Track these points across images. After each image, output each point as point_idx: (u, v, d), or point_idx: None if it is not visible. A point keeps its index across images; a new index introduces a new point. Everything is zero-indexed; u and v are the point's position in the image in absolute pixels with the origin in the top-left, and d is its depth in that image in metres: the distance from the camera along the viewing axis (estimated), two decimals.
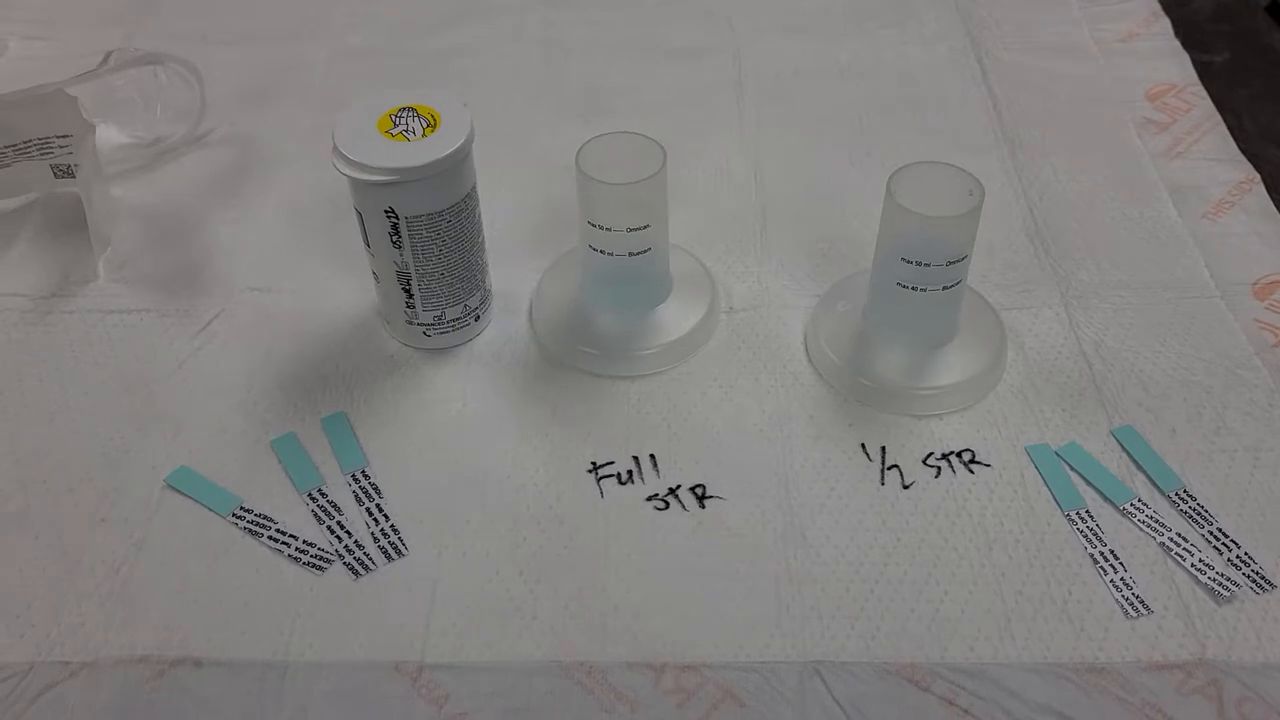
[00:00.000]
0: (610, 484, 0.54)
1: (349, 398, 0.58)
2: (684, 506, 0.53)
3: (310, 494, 0.54)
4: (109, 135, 0.71)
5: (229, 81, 0.78)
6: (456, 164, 0.53)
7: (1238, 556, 0.50)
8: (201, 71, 0.73)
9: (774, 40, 0.82)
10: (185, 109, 0.73)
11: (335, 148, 0.53)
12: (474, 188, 0.56)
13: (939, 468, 0.54)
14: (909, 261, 0.54)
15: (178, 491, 0.54)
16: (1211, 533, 0.51)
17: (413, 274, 0.56)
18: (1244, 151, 0.71)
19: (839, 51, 0.81)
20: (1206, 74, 0.78)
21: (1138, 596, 0.49)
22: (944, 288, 0.54)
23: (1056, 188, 0.69)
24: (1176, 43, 0.80)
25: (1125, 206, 0.68)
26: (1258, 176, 0.69)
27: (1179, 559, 0.50)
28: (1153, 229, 0.66)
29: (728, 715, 0.45)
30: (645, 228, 0.56)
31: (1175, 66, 0.78)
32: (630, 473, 0.54)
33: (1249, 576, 0.49)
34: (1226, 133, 0.73)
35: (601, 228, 0.56)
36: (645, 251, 0.57)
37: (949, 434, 0.56)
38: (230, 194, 0.71)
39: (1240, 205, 0.68)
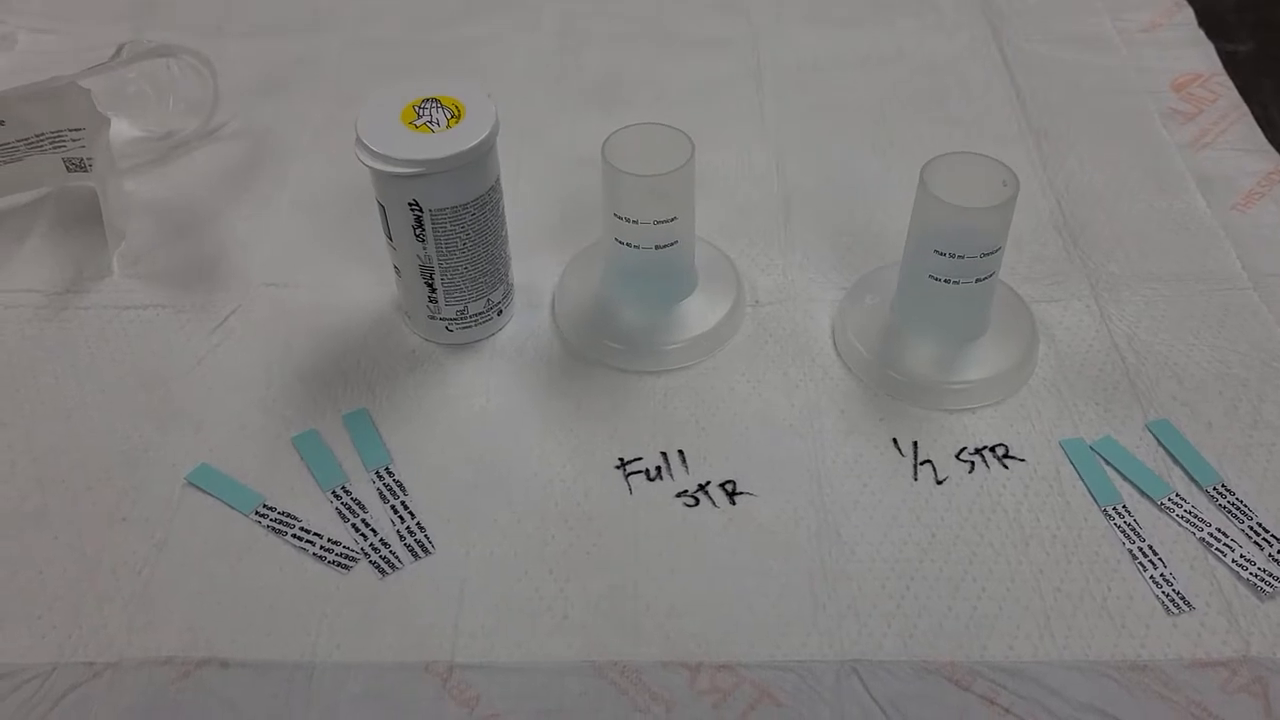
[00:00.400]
0: (639, 480, 0.53)
1: (370, 394, 0.57)
2: (714, 503, 0.52)
3: (334, 491, 0.53)
4: (121, 129, 0.70)
5: (242, 74, 0.77)
6: (482, 155, 0.53)
7: (1279, 552, 0.49)
8: (214, 64, 0.72)
9: (792, 30, 0.81)
10: (198, 102, 0.72)
11: (359, 139, 0.52)
12: (498, 180, 0.55)
13: (972, 463, 0.53)
14: (942, 254, 0.53)
15: (199, 489, 0.53)
16: (1252, 528, 0.50)
17: (436, 268, 0.56)
18: (1272, 142, 0.70)
19: (858, 41, 0.80)
20: (1231, 63, 0.77)
21: (1179, 593, 0.48)
22: (977, 280, 0.54)
23: (1083, 179, 0.68)
24: (1200, 32, 0.79)
25: (1153, 198, 0.67)
26: None
27: (1219, 554, 0.49)
28: (1182, 220, 0.65)
29: (765, 715, 0.45)
30: (672, 220, 0.55)
31: (1200, 56, 0.77)
32: (659, 469, 0.53)
33: None
34: (1254, 123, 0.72)
35: (628, 220, 0.55)
36: (672, 244, 0.56)
37: (982, 428, 0.55)
38: (244, 188, 0.70)
39: (1270, 196, 0.67)
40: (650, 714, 0.45)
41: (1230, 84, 0.75)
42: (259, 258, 0.65)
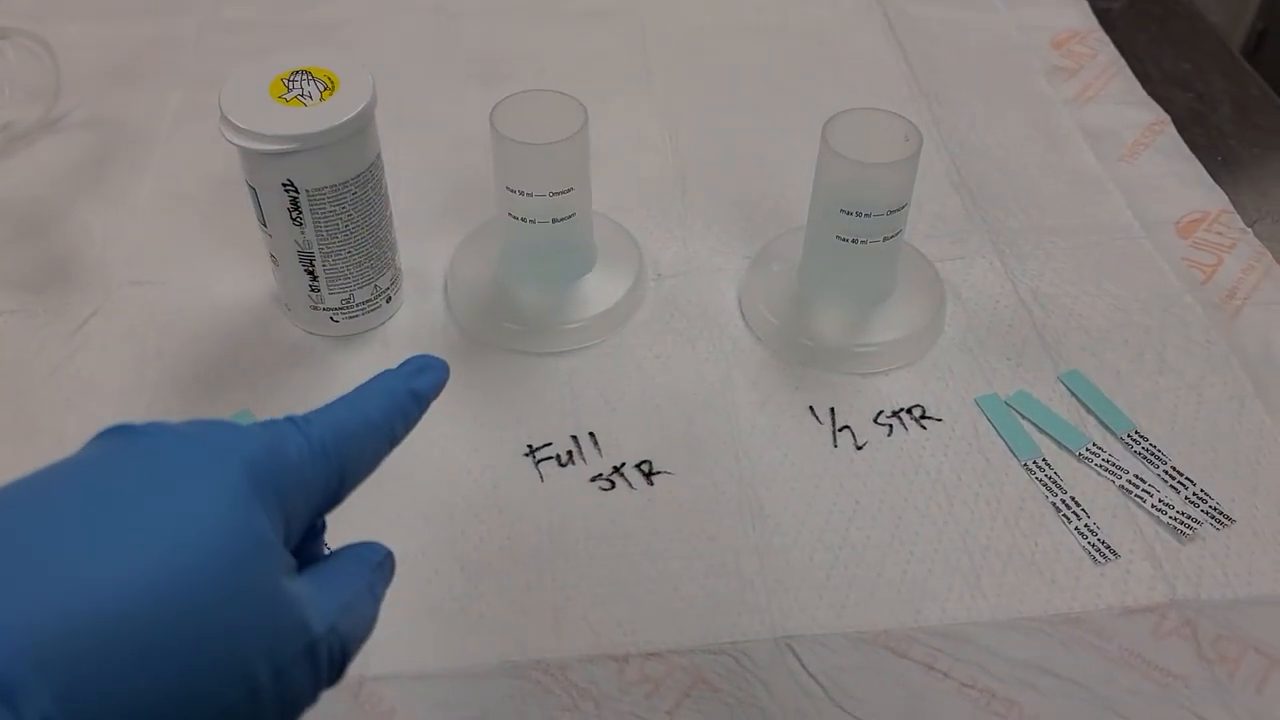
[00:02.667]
0: (550, 466, 0.50)
1: (252, 394, 0.53)
2: (631, 485, 0.50)
3: None
4: None
5: (87, 58, 0.71)
6: (361, 128, 0.49)
7: (1194, 494, 0.49)
8: (54, 47, 0.66)
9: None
10: (38, 89, 0.66)
11: (223, 116, 0.48)
12: (379, 155, 0.51)
13: (890, 425, 0.52)
14: (848, 213, 0.51)
15: None
16: (1167, 472, 0.50)
17: (316, 253, 0.52)
18: (1150, 94, 0.71)
19: (742, 9, 0.78)
20: (1106, 21, 0.78)
21: (1103, 542, 0.47)
22: (884, 239, 0.52)
23: (976, 138, 0.68)
24: None
25: (1045, 153, 0.67)
26: (1167, 117, 0.69)
27: (1139, 500, 0.49)
28: (1074, 174, 0.66)
29: (700, 701, 0.42)
30: (568, 191, 0.52)
31: (1076, 14, 0.78)
32: (570, 453, 0.51)
33: (1208, 513, 0.49)
34: (1132, 76, 0.73)
35: (521, 193, 0.52)
36: (569, 217, 0.53)
37: (897, 390, 0.54)
38: (97, 181, 0.64)
39: (1154, 147, 0.68)
40: (579, 711, 0.42)
41: (1107, 39, 0.76)
42: (119, 255, 0.60)
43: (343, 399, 0.32)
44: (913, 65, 0.73)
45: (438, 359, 0.34)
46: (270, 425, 0.29)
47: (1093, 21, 0.77)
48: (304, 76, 0.49)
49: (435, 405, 0.53)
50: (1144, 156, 0.67)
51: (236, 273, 0.58)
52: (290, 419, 0.30)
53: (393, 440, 0.32)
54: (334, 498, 0.31)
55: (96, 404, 0.52)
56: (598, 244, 0.58)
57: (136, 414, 0.51)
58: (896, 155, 0.50)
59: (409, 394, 0.33)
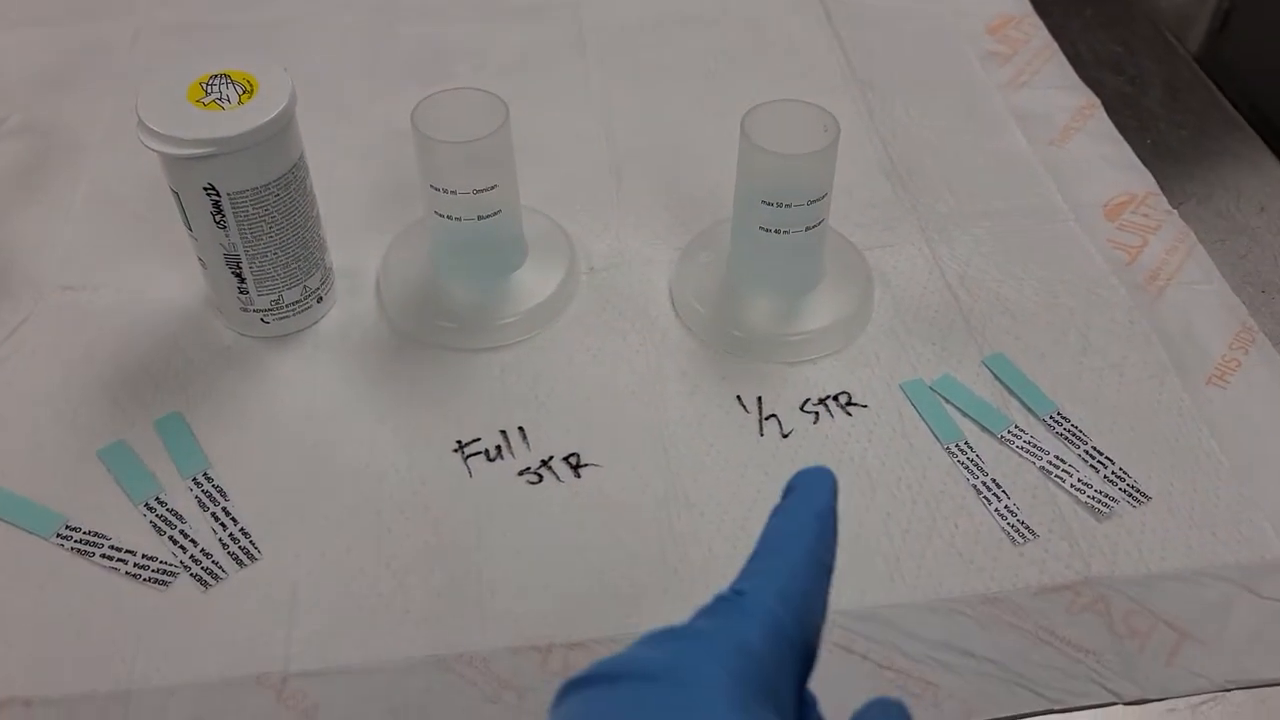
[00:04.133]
0: (478, 462, 0.51)
1: (184, 397, 0.53)
2: (558, 478, 0.50)
3: (147, 504, 0.49)
4: None
5: (19, 65, 0.71)
6: (280, 131, 0.49)
7: (1113, 473, 0.50)
8: None
9: None
10: None
11: (140, 121, 0.48)
12: (302, 157, 0.52)
13: (816, 413, 0.53)
14: (769, 204, 0.52)
15: None
16: (1087, 451, 0.51)
17: (242, 256, 0.52)
18: (1083, 78, 0.72)
19: (680, 1, 0.79)
20: (1040, 6, 0.78)
21: (1023, 523, 0.48)
22: (806, 228, 0.53)
23: (909, 124, 0.69)
24: None
25: (977, 138, 0.68)
26: (1098, 101, 0.70)
27: (1058, 481, 0.50)
28: (1005, 159, 0.66)
29: None
30: (493, 188, 0.53)
31: None
32: (499, 448, 0.51)
33: (1125, 491, 0.49)
34: (1065, 61, 0.73)
35: (446, 191, 0.52)
36: (495, 214, 0.54)
37: (824, 378, 0.54)
38: (31, 188, 0.64)
39: (1084, 130, 0.68)
40: (502, 703, 0.43)
41: (1041, 24, 0.76)
42: (52, 261, 0.60)
43: (767, 557, 0.30)
44: (849, 53, 0.74)
45: (817, 469, 0.33)
46: (728, 627, 0.28)
47: (1027, 6, 0.78)
48: (223, 80, 0.50)
49: (366, 405, 0.53)
50: (1075, 140, 0.68)
51: (169, 276, 0.58)
52: (739, 604, 0.29)
53: (830, 571, 0.31)
54: (809, 662, 0.30)
55: (25, 412, 0.52)
56: (530, 238, 0.58)
57: (69, 419, 0.52)
58: (814, 146, 0.51)
59: (817, 519, 0.31)
